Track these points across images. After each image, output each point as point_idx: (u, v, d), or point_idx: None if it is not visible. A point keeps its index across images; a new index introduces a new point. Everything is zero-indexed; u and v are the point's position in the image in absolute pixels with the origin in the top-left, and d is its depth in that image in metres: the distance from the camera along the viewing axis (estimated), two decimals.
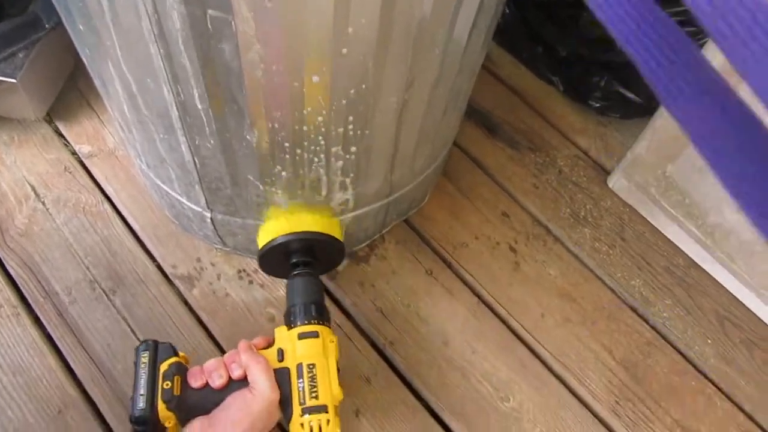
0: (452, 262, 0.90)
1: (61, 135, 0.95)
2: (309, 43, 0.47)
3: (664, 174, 0.90)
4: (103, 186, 0.91)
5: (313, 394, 0.60)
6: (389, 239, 0.90)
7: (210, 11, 0.45)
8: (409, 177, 0.78)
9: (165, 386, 0.59)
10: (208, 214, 0.74)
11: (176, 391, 0.59)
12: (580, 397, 0.82)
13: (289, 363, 0.63)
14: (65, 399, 0.75)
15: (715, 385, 0.85)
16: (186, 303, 0.83)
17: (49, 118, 0.96)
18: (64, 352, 0.78)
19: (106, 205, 0.89)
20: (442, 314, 0.86)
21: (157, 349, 0.62)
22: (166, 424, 0.60)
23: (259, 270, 0.86)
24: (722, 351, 0.87)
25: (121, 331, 0.79)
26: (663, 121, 0.84)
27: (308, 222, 0.69)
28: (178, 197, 0.74)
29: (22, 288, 0.81)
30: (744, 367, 0.86)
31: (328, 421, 0.60)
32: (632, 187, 0.95)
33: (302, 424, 0.60)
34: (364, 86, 0.54)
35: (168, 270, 0.85)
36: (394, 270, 0.88)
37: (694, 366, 0.86)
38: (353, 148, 0.62)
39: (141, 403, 0.58)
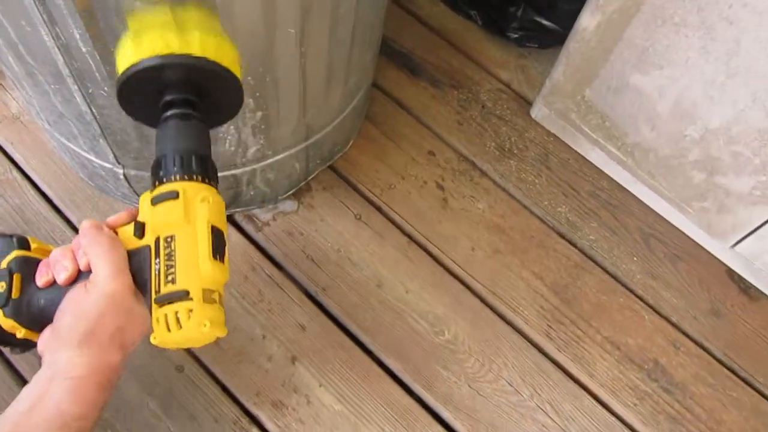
0: (381, 204, 0.89)
1: None
2: None
3: (582, 98, 0.90)
4: (9, 153, 0.86)
5: (170, 277, 0.45)
6: (315, 187, 0.89)
7: None
8: (325, 118, 0.77)
9: (3, 291, 0.48)
10: (120, 171, 0.71)
11: (15, 293, 0.48)
12: (514, 324, 0.84)
13: (149, 239, 0.48)
14: None
15: (643, 300, 0.87)
16: None
17: None
18: None
19: (15, 173, 0.85)
20: (374, 257, 0.85)
21: (4, 245, 0.51)
22: (18, 335, 0.50)
23: None
24: (648, 267, 0.90)
25: None
26: (576, 44, 0.84)
27: (193, 42, 0.48)
28: (86, 155, 0.71)
29: None
30: (669, 281, 0.89)
31: (191, 311, 0.45)
32: (553, 115, 0.96)
33: (157, 319, 0.46)
34: (255, 18, 0.52)
35: None
36: (323, 217, 0.87)
37: (622, 284, 0.88)
38: (258, 92, 0.60)
39: None
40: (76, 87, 0.57)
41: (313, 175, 0.87)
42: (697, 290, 0.89)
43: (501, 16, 1.04)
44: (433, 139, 0.96)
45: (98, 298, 0.46)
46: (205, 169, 0.49)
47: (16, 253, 0.50)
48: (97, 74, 0.55)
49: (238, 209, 0.83)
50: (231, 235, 0.84)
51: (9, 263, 0.50)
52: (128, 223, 0.50)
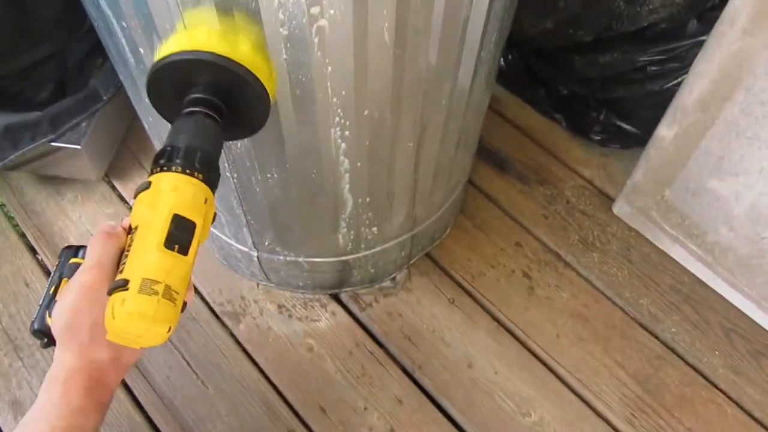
0: (471, 290, 0.98)
1: (117, 192, 1.07)
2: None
3: (662, 198, 0.97)
4: None
5: (121, 267, 0.45)
6: (414, 272, 0.99)
7: None
8: (429, 211, 0.87)
9: (51, 292, 0.51)
10: (255, 254, 0.83)
11: (58, 295, 0.51)
12: (597, 410, 0.88)
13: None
14: (133, 427, 0.84)
15: (725, 394, 0.90)
16: (234, 337, 0.92)
17: (107, 178, 1.08)
18: (131, 386, 0.88)
19: None
20: (465, 339, 0.93)
21: (66, 254, 0.54)
22: None
23: (298, 305, 0.95)
24: (730, 362, 0.93)
25: (178, 363, 0.88)
26: (655, 151, 0.92)
27: (222, 42, 0.48)
28: (228, 240, 0.84)
29: None
30: (752, 376, 0.92)
31: (123, 300, 0.42)
32: (635, 212, 1.03)
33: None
34: (383, 138, 0.64)
35: (216, 308, 0.94)
36: (419, 299, 0.96)
37: (704, 377, 0.91)
38: (376, 193, 0.72)
39: (34, 314, 0.52)
40: (235, 194, 0.70)
41: (413, 261, 0.97)
42: None
43: (584, 119, 1.13)
44: (521, 231, 1.04)
45: (72, 288, 0.47)
46: (189, 161, 0.47)
47: (72, 260, 0.53)
48: (256, 188, 0.68)
49: (346, 289, 0.94)
50: (338, 313, 0.94)
51: (61, 268, 0.53)
52: None
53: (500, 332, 0.94)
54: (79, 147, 0.97)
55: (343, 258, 0.83)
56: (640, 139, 1.08)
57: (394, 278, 0.95)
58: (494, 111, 1.20)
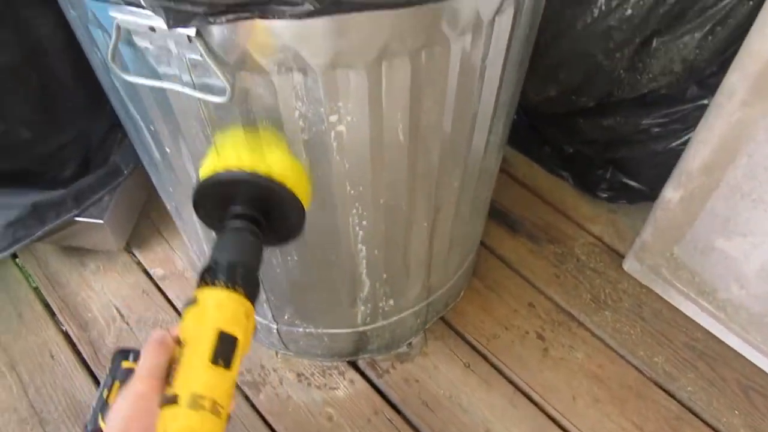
0: (487, 353, 0.99)
1: (137, 261, 1.10)
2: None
3: (672, 255, 0.99)
4: (175, 304, 1.04)
5: (170, 380, 0.46)
6: (429, 336, 1.00)
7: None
8: (444, 280, 0.89)
9: (104, 395, 0.51)
10: (275, 326, 0.86)
11: (111, 399, 0.51)
12: None
13: None
14: None
15: None
16: (254, 406, 0.93)
17: (128, 247, 1.11)
18: None
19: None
20: (482, 404, 0.94)
21: (118, 358, 0.54)
22: None
23: (316, 373, 0.96)
24: (750, 421, 0.93)
25: None
26: (662, 212, 0.94)
27: (259, 160, 0.52)
28: None
29: None
30: None
31: (175, 415, 0.44)
32: (645, 269, 1.05)
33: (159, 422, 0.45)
34: (399, 223, 0.66)
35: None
36: (435, 365, 0.98)
37: None
38: (393, 270, 0.74)
39: (88, 416, 0.52)
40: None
41: (428, 326, 0.99)
42: None
43: (590, 177, 1.16)
44: (533, 292, 1.06)
45: (125, 396, 0.47)
46: (231, 277, 0.49)
47: (123, 363, 0.53)
48: (277, 269, 0.70)
49: (364, 356, 0.95)
50: (356, 381, 0.95)
51: (113, 372, 0.53)
52: None
53: (517, 396, 0.95)
54: (101, 222, 1.00)
55: (361, 329, 0.85)
56: (647, 194, 1.10)
57: (410, 343, 0.97)
58: (503, 171, 1.23)
